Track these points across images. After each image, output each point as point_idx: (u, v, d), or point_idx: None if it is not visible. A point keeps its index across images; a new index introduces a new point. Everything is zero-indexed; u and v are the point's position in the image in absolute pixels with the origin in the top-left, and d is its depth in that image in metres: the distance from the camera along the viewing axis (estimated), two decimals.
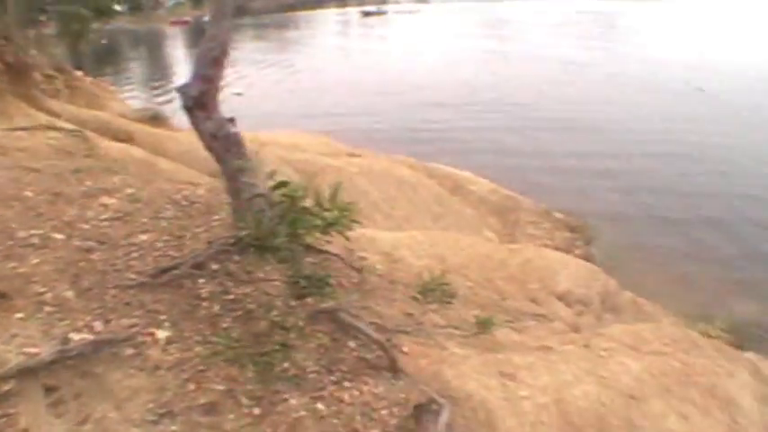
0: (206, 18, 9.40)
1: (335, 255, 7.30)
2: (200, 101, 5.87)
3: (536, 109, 38.00)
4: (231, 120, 6.15)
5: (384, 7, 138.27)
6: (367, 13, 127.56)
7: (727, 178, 26.79)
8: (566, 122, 34.78)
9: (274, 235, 5.25)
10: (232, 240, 6.00)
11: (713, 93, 44.65)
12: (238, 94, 45.60)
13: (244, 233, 5.67)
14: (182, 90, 5.95)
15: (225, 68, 6.15)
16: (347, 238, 5.76)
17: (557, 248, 19.05)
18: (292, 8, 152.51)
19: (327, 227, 5.42)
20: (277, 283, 6.08)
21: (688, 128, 34.03)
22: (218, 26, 6.01)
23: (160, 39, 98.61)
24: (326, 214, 5.31)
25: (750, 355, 13.31)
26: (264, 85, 50.61)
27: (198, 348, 5.26)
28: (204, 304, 5.72)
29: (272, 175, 6.00)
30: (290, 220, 5.31)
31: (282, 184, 5.60)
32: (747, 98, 43.72)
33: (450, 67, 54.54)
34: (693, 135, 32.68)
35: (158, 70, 66.35)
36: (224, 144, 6.07)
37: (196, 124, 6.02)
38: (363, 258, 8.33)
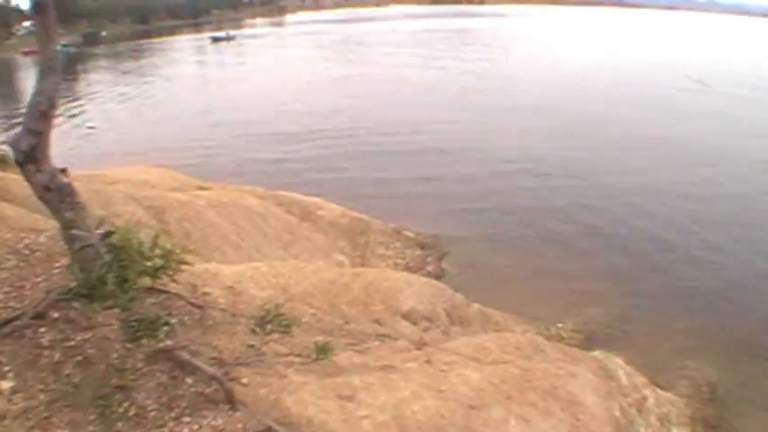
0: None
1: (176, 294, 7.45)
2: (30, 155, 5.93)
3: (384, 132, 38.24)
4: (63, 170, 6.22)
5: (234, 32, 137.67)
6: (216, 39, 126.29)
7: (569, 192, 27.91)
8: (415, 145, 35.24)
9: (103, 283, 5.46)
10: (68, 289, 6.11)
11: (555, 109, 46.48)
12: (92, 128, 44.63)
13: (75, 283, 5.82)
14: (11, 144, 6.03)
15: (53, 121, 6.23)
16: (175, 281, 6.01)
17: (408, 266, 19.59)
18: (147, 35, 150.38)
19: (155, 271, 5.70)
20: (115, 327, 6.22)
21: (529, 144, 35.23)
22: (45, 80, 6.06)
23: (12, 69, 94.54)
24: (152, 261, 5.57)
25: (597, 353, 14.19)
26: (118, 118, 49.20)
27: (42, 396, 5.39)
28: (46, 353, 5.81)
29: (100, 224, 6.17)
30: (117, 268, 5.54)
31: (109, 234, 5.82)
32: (591, 110, 45.99)
33: (298, 94, 53.98)
34: (535, 151, 33.82)
35: (9, 104, 63.42)
36: (57, 195, 6.12)
37: (28, 177, 6.08)
38: (207, 294, 8.49)
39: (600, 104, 48.62)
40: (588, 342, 16.27)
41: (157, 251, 5.89)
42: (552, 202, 26.65)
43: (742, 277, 20.92)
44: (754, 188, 28.99)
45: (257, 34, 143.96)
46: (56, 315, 6.17)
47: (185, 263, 6.17)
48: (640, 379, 13.39)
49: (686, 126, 41.55)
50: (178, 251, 5.95)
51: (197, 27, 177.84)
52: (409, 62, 74.18)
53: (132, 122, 47.43)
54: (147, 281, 6.18)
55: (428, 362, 8.93)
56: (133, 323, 5.93)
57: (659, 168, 31.67)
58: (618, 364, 13.71)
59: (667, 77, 64.83)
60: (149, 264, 5.77)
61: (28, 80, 77.32)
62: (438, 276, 19.39)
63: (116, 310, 5.99)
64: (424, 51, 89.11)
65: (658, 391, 13.45)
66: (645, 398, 12.59)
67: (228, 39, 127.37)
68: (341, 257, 18.66)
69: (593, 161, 32.61)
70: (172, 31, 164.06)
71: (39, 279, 6.86)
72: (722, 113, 46.98)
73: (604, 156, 33.84)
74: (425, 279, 15.06)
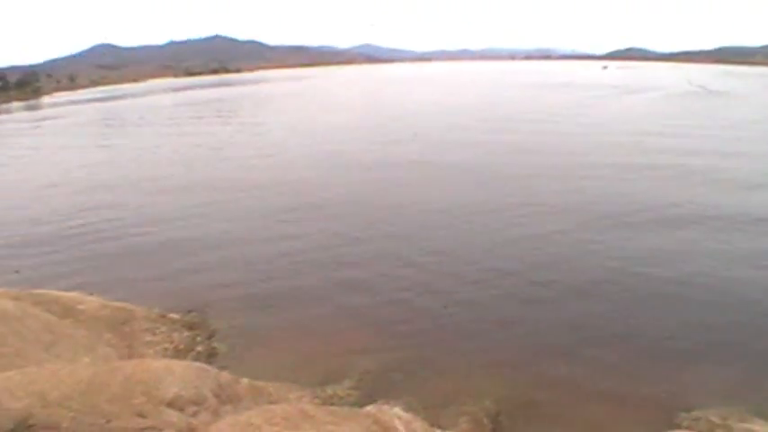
0: None
1: None
2: None
3: (129, 224, 36.11)
4: None
5: None
6: None
7: (327, 256, 28.94)
8: (168, 233, 34.14)
9: None
10: None
11: (297, 180, 47.81)
12: None
13: None
14: None
15: None
16: None
17: (178, 349, 19.52)
18: None
19: None
20: None
21: (285, 219, 35.63)
22: None
23: None
24: None
25: (371, 408, 14.68)
26: None
27: None
28: None
29: None
30: None
31: None
32: (333, 176, 47.70)
33: (46, 190, 50.40)
34: (292, 228, 34.05)
35: None
36: None
37: None
38: None
39: (342, 168, 50.84)
40: (366, 397, 16.71)
41: None
42: (314, 267, 27.44)
43: (508, 309, 22.79)
44: (500, 234, 31.49)
45: (9, 120, 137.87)
46: None
47: None
48: (419, 424, 13.92)
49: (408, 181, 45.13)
50: None
51: None
52: (161, 142, 73.19)
53: None
54: None
55: None
56: None
57: (396, 224, 33.93)
58: (395, 413, 14.20)
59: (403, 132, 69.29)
60: None
61: None
62: (209, 355, 19.49)
63: None
64: (178, 128, 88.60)
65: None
66: None
67: None
68: (107, 350, 18.27)
69: (342, 224, 34.16)
70: None
71: None
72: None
73: (348, 215, 36.05)
74: (188, 362, 15.15)
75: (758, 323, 21.15)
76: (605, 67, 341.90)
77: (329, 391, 17.19)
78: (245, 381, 15.42)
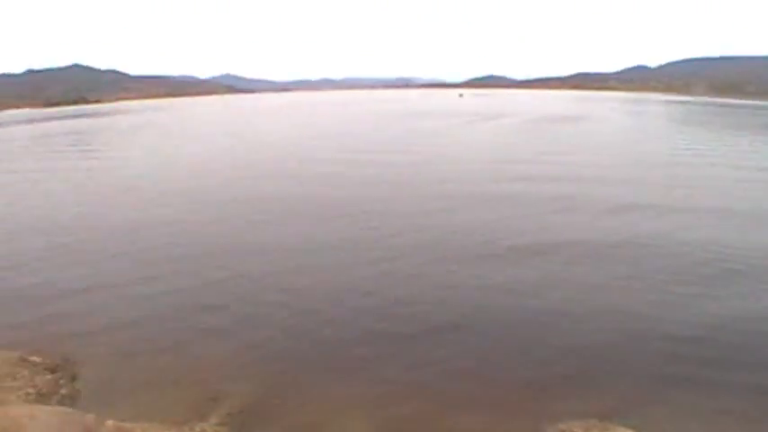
0: None
1: None
2: None
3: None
4: None
5: None
6: None
7: (179, 293, 28.71)
8: (27, 265, 33.19)
9: None
10: None
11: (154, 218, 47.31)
12: None
13: None
14: None
15: None
16: None
17: (41, 393, 19.06)
18: None
19: None
20: None
21: (149, 259, 34.83)
22: None
23: None
24: None
25: None
26: None
27: None
28: None
29: None
30: None
31: None
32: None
33: None
34: (153, 269, 33.33)
35: None
36: None
37: None
38: None
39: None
40: (238, 429, 16.84)
41: None
42: (174, 310, 26.71)
43: (370, 345, 22.74)
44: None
45: None
46: None
47: None
48: None
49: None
50: None
51: None
52: (16, 179, 69.86)
53: None
54: None
55: None
56: None
57: (250, 262, 33.36)
58: None
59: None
60: None
61: None
62: (74, 398, 19.10)
63: None
64: (35, 163, 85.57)
65: None
66: None
67: None
68: None
69: (197, 265, 33.28)
70: None
71: None
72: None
73: (202, 255, 35.28)
74: (51, 407, 15.00)
75: (627, 345, 22.07)
76: (461, 95, 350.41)
77: (197, 428, 17.03)
78: (110, 423, 15.31)
